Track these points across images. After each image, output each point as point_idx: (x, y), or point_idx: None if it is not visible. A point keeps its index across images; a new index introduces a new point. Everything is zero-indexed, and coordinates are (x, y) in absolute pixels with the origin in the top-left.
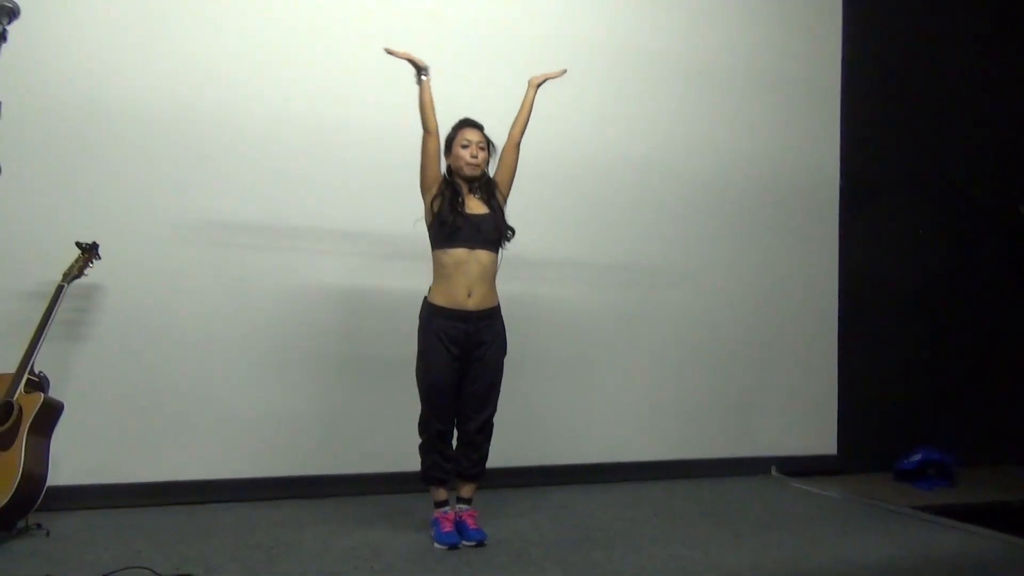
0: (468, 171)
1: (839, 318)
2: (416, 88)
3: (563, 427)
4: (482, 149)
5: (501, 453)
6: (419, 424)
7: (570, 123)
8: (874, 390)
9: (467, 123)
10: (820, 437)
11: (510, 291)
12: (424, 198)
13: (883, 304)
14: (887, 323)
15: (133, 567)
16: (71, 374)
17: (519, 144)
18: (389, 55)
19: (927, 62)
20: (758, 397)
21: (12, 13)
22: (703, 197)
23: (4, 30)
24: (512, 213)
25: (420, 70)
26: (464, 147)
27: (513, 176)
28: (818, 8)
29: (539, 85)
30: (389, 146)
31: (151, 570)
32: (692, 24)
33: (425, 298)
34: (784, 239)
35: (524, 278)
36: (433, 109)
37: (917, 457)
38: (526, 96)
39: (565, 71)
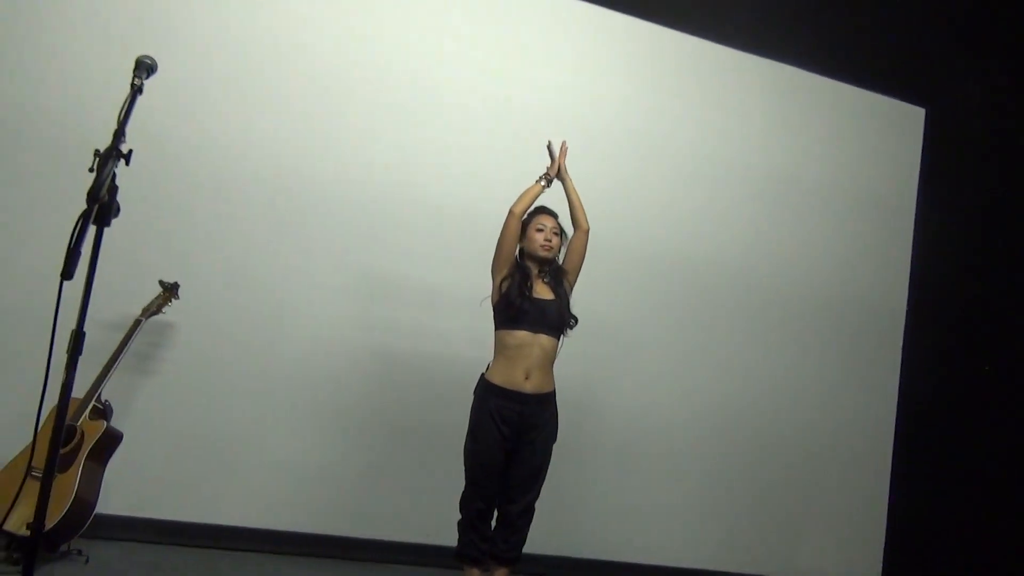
0: (542, 253)
1: (895, 441)
2: (535, 182)
3: (602, 521)
4: (556, 235)
5: (537, 540)
6: (461, 500)
7: (636, 217)
8: (926, 519)
9: (543, 210)
10: (865, 564)
11: (562, 377)
12: (494, 278)
13: (942, 431)
14: (945, 450)
15: None
16: (134, 406)
17: (588, 231)
18: (547, 150)
19: (1008, 193)
20: (803, 515)
21: (151, 69)
22: (764, 304)
23: (141, 84)
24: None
25: (549, 177)
26: (539, 231)
27: (582, 262)
28: (899, 130)
29: (565, 169)
30: (462, 219)
31: None
32: (770, 133)
33: (483, 375)
34: (845, 356)
35: (578, 365)
36: (530, 205)
37: None
38: (564, 187)
39: (564, 142)
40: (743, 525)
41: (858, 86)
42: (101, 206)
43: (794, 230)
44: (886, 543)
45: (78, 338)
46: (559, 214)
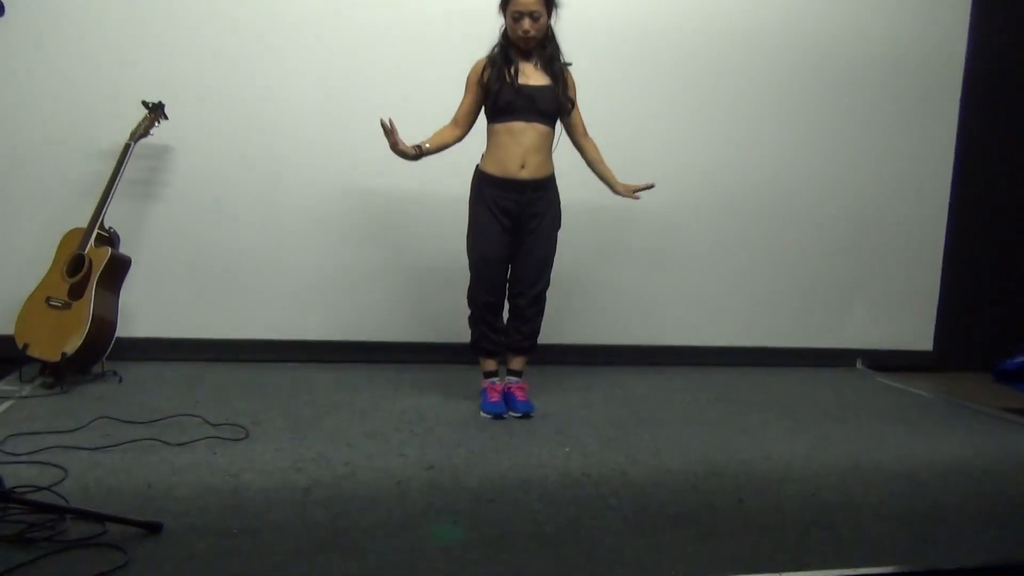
0: (522, 45)
1: (950, 206)
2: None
3: (637, 307)
4: (535, 19)
5: (568, 330)
6: (467, 295)
7: None
8: (981, 283)
9: None
10: (916, 331)
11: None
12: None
13: (998, 194)
14: (1001, 213)
15: (186, 415)
16: (144, 232)
17: (584, 146)
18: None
19: None
20: (851, 285)
21: None
22: (811, 70)
23: None
24: (601, 91)
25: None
26: (516, 20)
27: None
28: None
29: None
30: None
31: (202, 418)
32: None
33: (477, 166)
34: (899, 121)
35: (607, 154)
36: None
37: (1022, 358)
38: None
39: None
40: (786, 300)
41: None
42: None
43: None
44: (939, 307)
45: None
46: None
